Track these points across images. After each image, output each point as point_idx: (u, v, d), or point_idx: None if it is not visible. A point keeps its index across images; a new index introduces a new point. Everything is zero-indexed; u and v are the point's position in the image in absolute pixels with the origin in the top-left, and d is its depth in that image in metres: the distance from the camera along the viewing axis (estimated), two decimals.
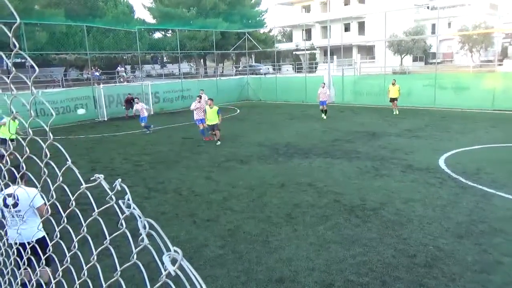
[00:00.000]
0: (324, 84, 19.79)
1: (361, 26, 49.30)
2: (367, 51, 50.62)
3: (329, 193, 8.29)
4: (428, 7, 52.83)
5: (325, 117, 18.95)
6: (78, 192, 1.59)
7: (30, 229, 3.69)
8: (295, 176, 9.59)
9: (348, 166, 10.35)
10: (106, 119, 21.92)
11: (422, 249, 5.65)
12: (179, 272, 1.07)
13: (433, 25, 51.87)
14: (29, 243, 2.59)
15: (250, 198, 8.18)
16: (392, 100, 19.80)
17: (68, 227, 1.77)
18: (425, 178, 8.99)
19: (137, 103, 17.41)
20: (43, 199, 4.01)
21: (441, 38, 44.08)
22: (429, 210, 7.12)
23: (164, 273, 1.11)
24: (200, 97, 15.43)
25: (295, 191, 8.49)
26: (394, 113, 19.61)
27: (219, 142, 13.76)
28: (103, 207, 1.48)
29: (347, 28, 47.87)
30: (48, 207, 1.89)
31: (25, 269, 2.49)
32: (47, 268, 2.28)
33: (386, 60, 25.42)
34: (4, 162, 2.13)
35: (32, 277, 2.27)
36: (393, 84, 19.84)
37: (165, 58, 53.22)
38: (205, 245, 6.10)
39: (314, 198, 8.03)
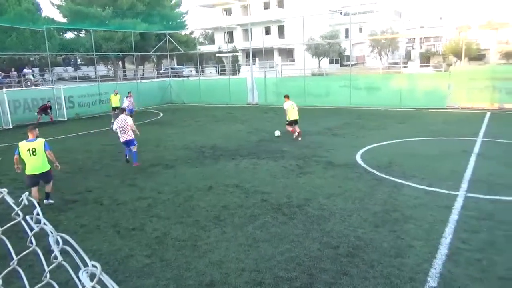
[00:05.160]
0: (130, 92, 19.57)
1: (281, 30, 50.99)
2: (287, 54, 52.52)
3: (256, 193, 8.41)
4: (341, 13, 56.43)
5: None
6: None
7: None
8: (222, 178, 9.59)
9: (273, 165, 10.61)
10: (11, 127, 19.91)
11: (344, 240, 5.99)
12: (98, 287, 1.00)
13: (346, 30, 55.51)
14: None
15: (177, 203, 8.00)
16: (114, 108, 19.48)
17: None
18: (344, 173, 9.56)
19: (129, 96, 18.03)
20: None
21: (353, 42, 47.27)
22: (349, 203, 7.58)
23: None
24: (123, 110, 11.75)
25: (223, 193, 8.49)
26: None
27: (49, 201, 8.25)
28: (8, 225, 1.33)
29: (267, 32, 49.21)
30: None
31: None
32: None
33: (305, 63, 26.59)
34: None
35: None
36: (116, 94, 20.11)
37: (78, 60, 49.88)
38: (131, 256, 5.82)
39: (242, 198, 8.10)
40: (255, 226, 6.66)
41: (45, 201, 8.14)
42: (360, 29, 60.52)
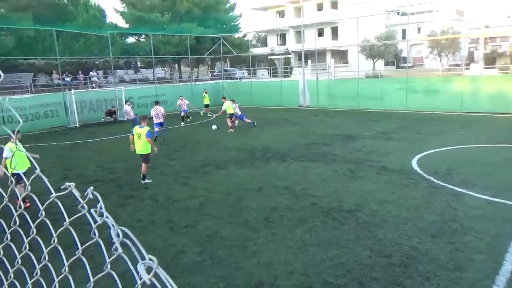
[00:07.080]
0: (181, 96, 21.89)
1: (334, 31, 50.16)
2: (341, 55, 51.51)
3: (306, 196, 8.34)
4: (398, 13, 54.36)
5: (183, 123, 21.13)
6: (47, 202, 1.52)
7: None
8: (272, 180, 9.61)
9: (324, 169, 10.46)
10: (78, 126, 21.39)
11: (397, 249, 5.75)
12: (154, 281, 1.04)
13: (403, 31, 53.32)
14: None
15: (228, 203, 8.14)
16: (206, 106, 24.64)
17: (38, 238, 1.70)
18: (399, 179, 9.18)
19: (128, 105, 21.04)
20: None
21: (411, 43, 45.39)
22: (403, 210, 7.27)
23: (139, 282, 1.07)
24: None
25: (273, 195, 8.50)
26: (203, 115, 23.68)
27: (146, 181, 9.83)
28: (74, 217, 1.43)
29: (320, 33, 48.62)
30: None
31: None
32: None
33: (359, 65, 25.93)
34: None
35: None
36: (206, 93, 24.90)
37: (138, 63, 52.44)
38: (183, 252, 6.01)
39: (292, 201, 8.06)
40: (305, 230, 6.60)
41: (142, 181, 9.78)
42: (419, 30, 57.85)
